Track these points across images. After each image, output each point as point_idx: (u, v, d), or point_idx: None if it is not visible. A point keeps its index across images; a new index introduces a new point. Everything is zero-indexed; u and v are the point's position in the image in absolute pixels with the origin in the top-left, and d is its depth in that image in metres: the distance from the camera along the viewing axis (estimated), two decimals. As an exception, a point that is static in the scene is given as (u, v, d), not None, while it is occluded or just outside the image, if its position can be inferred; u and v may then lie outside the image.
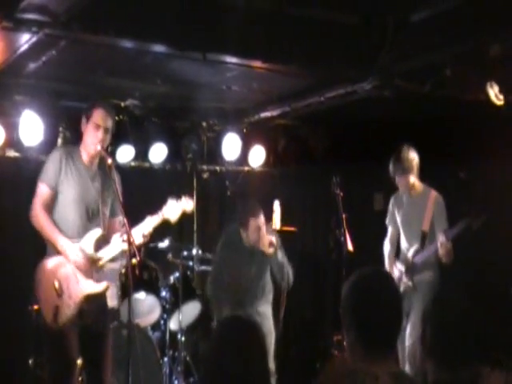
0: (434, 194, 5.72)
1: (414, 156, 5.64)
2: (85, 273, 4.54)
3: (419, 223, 5.70)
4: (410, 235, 5.79)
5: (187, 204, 4.80)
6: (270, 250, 5.66)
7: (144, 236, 4.61)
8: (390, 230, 6.03)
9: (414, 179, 5.68)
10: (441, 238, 5.37)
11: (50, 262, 4.56)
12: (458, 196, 6.24)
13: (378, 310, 2.55)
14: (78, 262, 4.52)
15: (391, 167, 5.73)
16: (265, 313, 5.85)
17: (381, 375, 2.45)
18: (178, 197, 4.80)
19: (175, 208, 4.73)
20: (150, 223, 4.66)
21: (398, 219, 5.91)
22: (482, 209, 5.35)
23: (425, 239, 5.68)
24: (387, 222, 6.04)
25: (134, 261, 4.32)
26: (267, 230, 5.76)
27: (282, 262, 5.76)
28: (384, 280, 2.71)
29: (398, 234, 5.95)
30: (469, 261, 6.17)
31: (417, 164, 5.66)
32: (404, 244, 5.86)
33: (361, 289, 2.62)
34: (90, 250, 4.57)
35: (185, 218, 4.93)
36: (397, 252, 5.98)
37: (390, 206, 6.00)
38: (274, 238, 5.69)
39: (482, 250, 6.36)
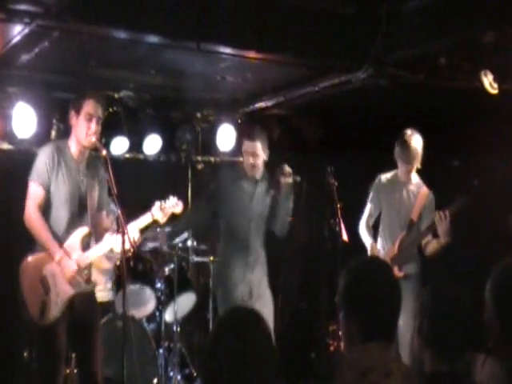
0: (426, 189, 5.73)
1: (418, 144, 5.58)
2: (74, 277, 4.51)
3: (408, 213, 5.69)
4: (395, 223, 5.73)
5: (177, 206, 4.72)
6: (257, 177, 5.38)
7: (134, 242, 4.48)
8: (369, 209, 5.86)
9: (414, 169, 5.68)
10: (438, 215, 5.37)
11: (37, 257, 4.53)
12: (451, 184, 6.24)
13: (375, 300, 2.54)
14: (72, 276, 4.49)
15: (397, 151, 5.69)
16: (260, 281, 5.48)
17: (390, 366, 2.45)
18: (166, 196, 4.74)
19: (164, 210, 4.64)
20: (138, 224, 4.60)
21: (384, 204, 5.82)
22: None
23: (412, 228, 5.67)
24: (369, 200, 5.87)
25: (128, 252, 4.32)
26: (284, 173, 5.32)
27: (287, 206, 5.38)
28: (382, 270, 2.70)
29: (375, 218, 5.88)
30: (462, 250, 6.17)
31: (420, 153, 5.62)
32: (385, 231, 5.80)
33: (359, 278, 2.61)
34: (76, 255, 4.53)
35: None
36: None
37: (375, 188, 5.87)
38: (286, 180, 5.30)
39: (476, 240, 6.36)
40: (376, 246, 5.79)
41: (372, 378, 2.40)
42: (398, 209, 5.76)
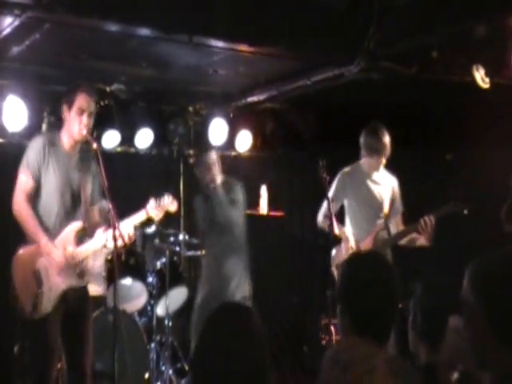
0: (393, 178, 5.73)
1: (388, 139, 5.57)
2: (66, 271, 4.50)
3: (379, 203, 5.65)
4: (368, 214, 5.67)
5: (171, 205, 4.74)
6: None
7: (129, 238, 4.49)
8: (328, 205, 5.46)
9: (383, 162, 5.65)
10: (423, 221, 5.34)
11: (29, 250, 4.50)
12: (444, 179, 6.25)
13: (372, 295, 2.54)
14: (62, 263, 4.48)
15: (366, 143, 5.62)
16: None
17: (374, 361, 2.44)
18: (161, 193, 4.74)
19: (159, 208, 4.66)
20: (132, 221, 4.60)
21: (353, 197, 5.73)
22: (467, 198, 5.32)
23: (387, 222, 5.64)
24: (331, 196, 5.57)
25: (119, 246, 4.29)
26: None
27: None
28: (380, 264, 2.69)
29: (334, 212, 5.63)
30: (454, 245, 6.18)
31: (389, 147, 5.60)
32: (359, 223, 5.72)
33: (356, 273, 2.61)
34: (71, 248, 4.51)
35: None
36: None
37: (341, 183, 5.74)
38: None
39: (468, 234, 6.37)
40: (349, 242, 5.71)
41: (354, 373, 2.38)
42: (368, 200, 5.69)
